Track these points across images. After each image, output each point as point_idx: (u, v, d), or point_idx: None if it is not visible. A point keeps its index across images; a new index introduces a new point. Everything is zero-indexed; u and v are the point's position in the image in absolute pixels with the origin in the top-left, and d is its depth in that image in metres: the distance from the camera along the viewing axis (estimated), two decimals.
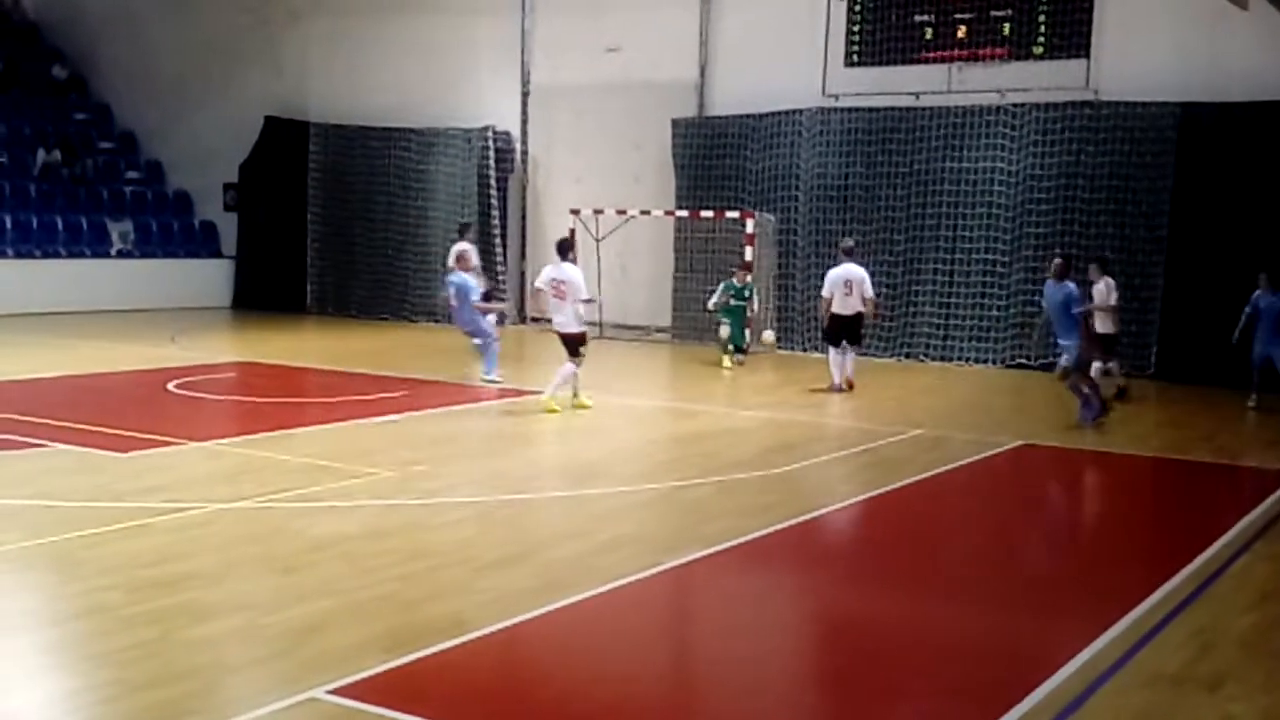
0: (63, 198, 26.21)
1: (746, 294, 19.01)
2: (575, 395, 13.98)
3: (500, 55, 24.22)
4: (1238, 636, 6.16)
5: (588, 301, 13.82)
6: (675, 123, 22.09)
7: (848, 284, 16.07)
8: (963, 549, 9.08)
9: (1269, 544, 6.09)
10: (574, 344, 13.71)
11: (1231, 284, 16.42)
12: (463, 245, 17.64)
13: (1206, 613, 7.31)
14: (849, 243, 17.02)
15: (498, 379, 15.79)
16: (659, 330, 22.18)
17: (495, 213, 23.94)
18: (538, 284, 13.94)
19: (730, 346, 18.70)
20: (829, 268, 20.51)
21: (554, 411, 13.49)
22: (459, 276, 15.93)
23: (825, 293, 16.30)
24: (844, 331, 16.15)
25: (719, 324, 18.99)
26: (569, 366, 13.73)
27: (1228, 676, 6.10)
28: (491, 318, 16.31)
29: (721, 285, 19.14)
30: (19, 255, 24.39)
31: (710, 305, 19.26)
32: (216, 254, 27.53)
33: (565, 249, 14.10)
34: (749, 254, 20.40)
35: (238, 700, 5.65)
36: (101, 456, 10.76)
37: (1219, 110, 17.78)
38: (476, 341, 16.11)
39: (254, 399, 15.35)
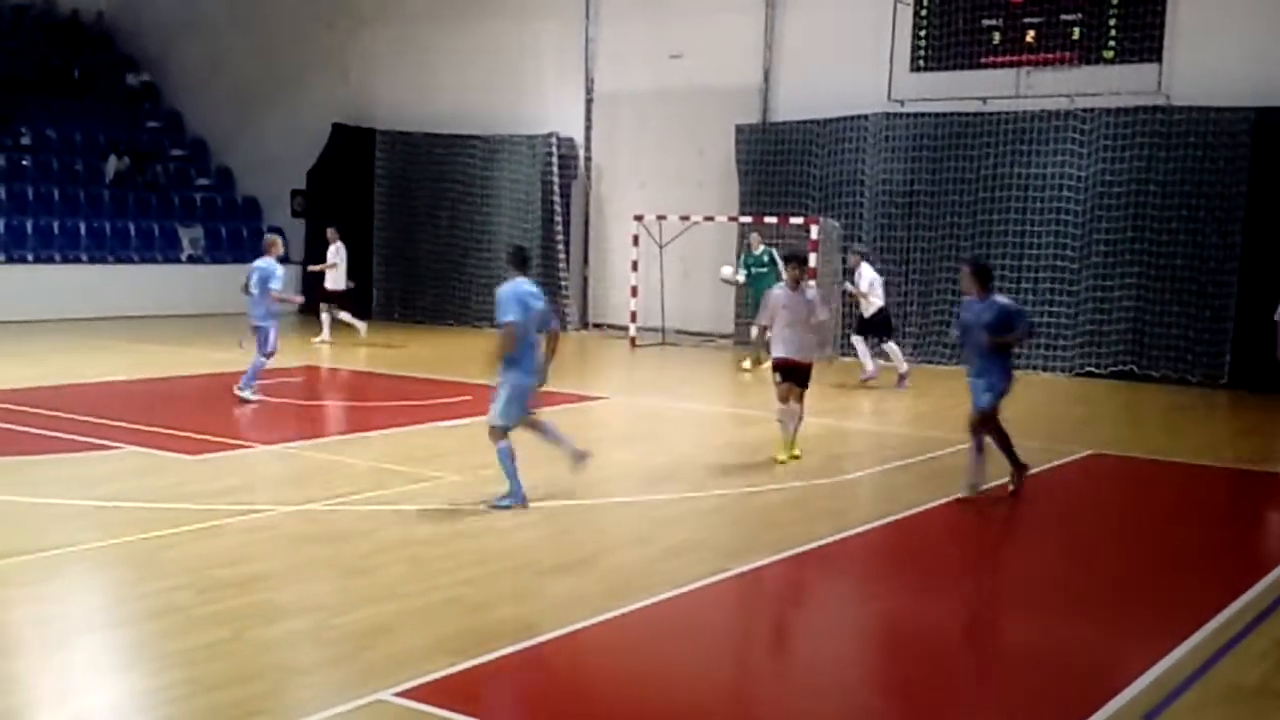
0: (135, 204, 26.70)
1: (766, 259, 18.79)
2: (793, 442, 11.64)
3: (564, 61, 24.33)
4: None
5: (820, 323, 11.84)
6: (739, 128, 22.04)
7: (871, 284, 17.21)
8: (1032, 559, 8.95)
9: None
10: (805, 377, 11.54)
11: None
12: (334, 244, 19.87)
13: None
14: (863, 247, 18.35)
15: (251, 396, 14.04)
16: (722, 336, 22.12)
17: (558, 219, 24.03)
18: (768, 312, 11.43)
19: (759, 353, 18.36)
20: (894, 274, 20.53)
21: (795, 459, 11.50)
22: (265, 261, 14.48)
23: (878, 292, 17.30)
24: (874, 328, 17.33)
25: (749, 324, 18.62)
26: (795, 406, 11.45)
27: None
28: (273, 333, 14.32)
29: (740, 259, 19.02)
30: (92, 260, 24.88)
31: (725, 276, 19.16)
32: (284, 260, 27.69)
33: (802, 263, 11.97)
34: (813, 260, 20.25)
35: (306, 701, 5.70)
36: (173, 459, 10.93)
37: None
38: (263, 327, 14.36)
39: (321, 403, 15.52)
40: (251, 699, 5.61)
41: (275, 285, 14.32)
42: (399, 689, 5.69)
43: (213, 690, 5.69)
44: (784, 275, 18.57)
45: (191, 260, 26.47)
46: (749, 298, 18.67)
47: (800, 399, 11.44)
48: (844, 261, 18.91)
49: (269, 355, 14.36)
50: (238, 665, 6.03)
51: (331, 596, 7.18)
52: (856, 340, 17.52)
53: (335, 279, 21.26)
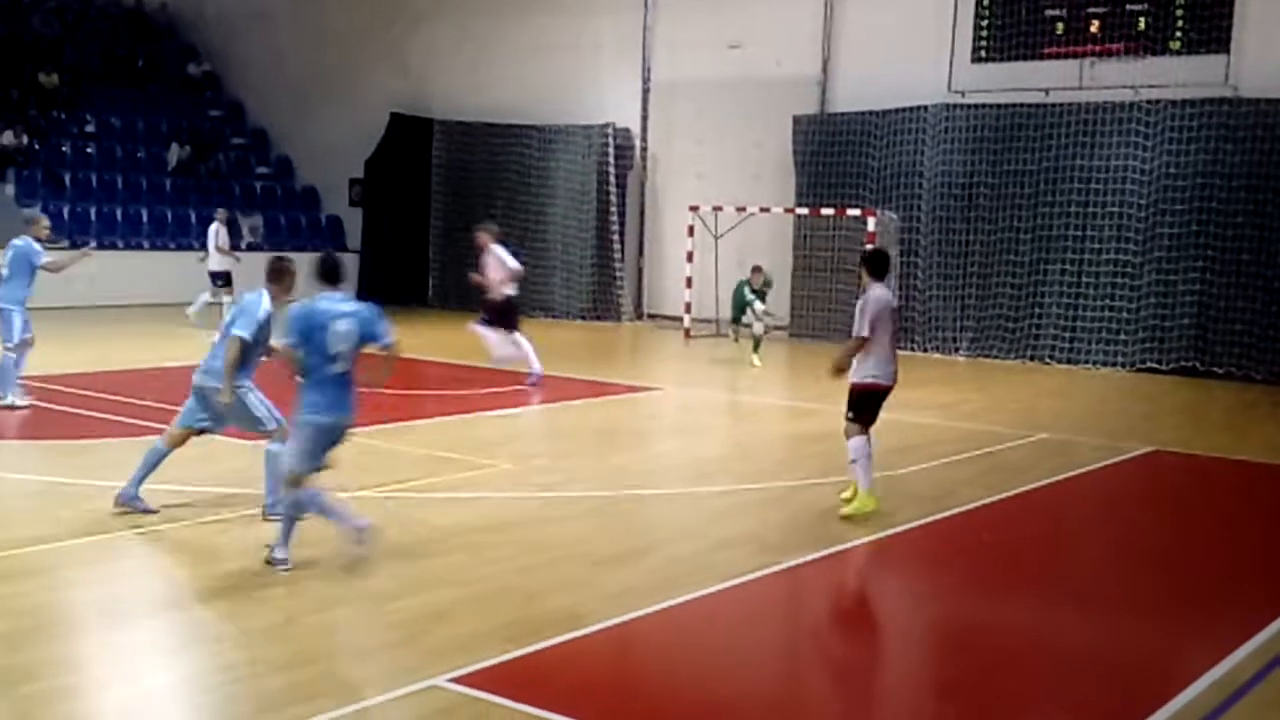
0: (196, 192, 27.04)
1: (762, 294, 18.35)
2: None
3: (621, 52, 24.31)
4: None
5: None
6: (796, 119, 21.91)
7: None
8: (1089, 558, 8.84)
9: None
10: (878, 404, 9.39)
11: None
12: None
13: None
14: (494, 225, 17.40)
15: (14, 399, 12.31)
16: (778, 328, 22.03)
17: (614, 210, 24.05)
18: (868, 320, 9.03)
19: (758, 345, 18.26)
20: (952, 267, 20.32)
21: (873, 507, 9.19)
22: (23, 240, 12.39)
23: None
24: None
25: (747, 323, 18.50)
26: (863, 442, 9.27)
27: None
28: (18, 319, 12.29)
29: (741, 286, 18.59)
30: (154, 248, 25.25)
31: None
32: (342, 248, 28.06)
33: (887, 266, 9.62)
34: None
35: (363, 685, 5.77)
36: (230, 444, 11.03)
37: None
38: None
39: (376, 390, 15.61)
40: (309, 682, 5.67)
41: (38, 262, 12.31)
42: (454, 675, 5.73)
43: (272, 673, 5.76)
44: (759, 306, 18.57)
45: (251, 248, 26.74)
46: (734, 311, 18.52)
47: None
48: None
49: (18, 347, 12.34)
50: (295, 649, 6.10)
51: (387, 583, 7.24)
52: (481, 329, 15.68)
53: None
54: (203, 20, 30.46)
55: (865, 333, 9.04)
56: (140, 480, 8.50)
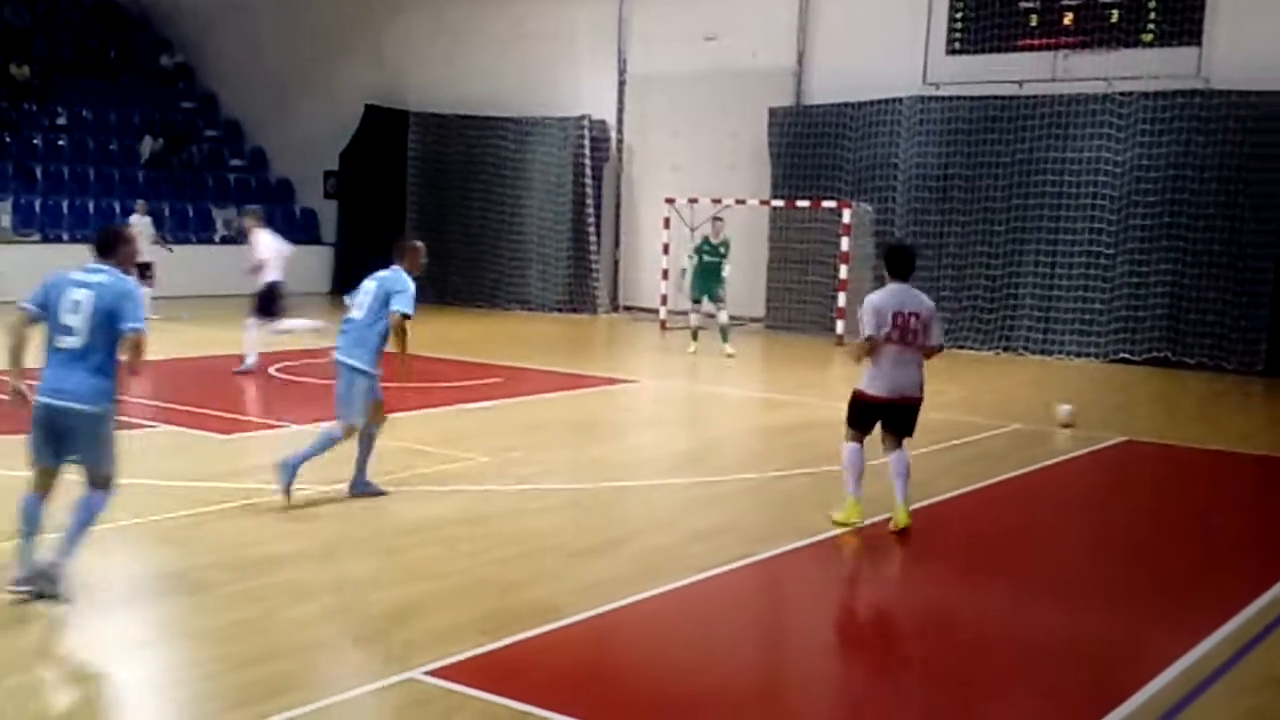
0: (169, 185, 26.86)
1: (722, 250, 18.18)
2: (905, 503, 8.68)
3: (597, 44, 24.27)
4: None
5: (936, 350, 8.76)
6: (772, 111, 21.93)
7: None
8: (1064, 547, 8.89)
9: None
10: (915, 419, 8.72)
11: None
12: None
13: None
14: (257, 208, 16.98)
15: None
16: (753, 320, 22.07)
17: (590, 202, 24.03)
18: (872, 321, 8.41)
19: (696, 334, 18.30)
20: (927, 259, 20.34)
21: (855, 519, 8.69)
22: None
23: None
24: None
25: (693, 300, 18.37)
26: (904, 455, 8.66)
27: None
28: None
29: (697, 244, 18.47)
30: None
31: (684, 265, 18.66)
32: (317, 240, 27.98)
33: (912, 264, 8.81)
34: (845, 244, 20.21)
35: (337, 679, 5.75)
36: (205, 438, 11.01)
37: None
38: None
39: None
40: (282, 676, 5.65)
41: None
42: (430, 668, 5.72)
43: (244, 667, 5.73)
44: (726, 271, 18.52)
45: (225, 241, 26.61)
46: (695, 281, 18.38)
47: (902, 444, 8.69)
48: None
49: None
50: (269, 643, 6.07)
51: (362, 576, 7.22)
52: (252, 324, 15.03)
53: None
54: (176, 11, 30.23)
55: (870, 333, 8.37)
56: (362, 468, 8.94)
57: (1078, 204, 19.15)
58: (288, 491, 8.52)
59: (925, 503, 9.58)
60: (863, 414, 8.68)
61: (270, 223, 27.56)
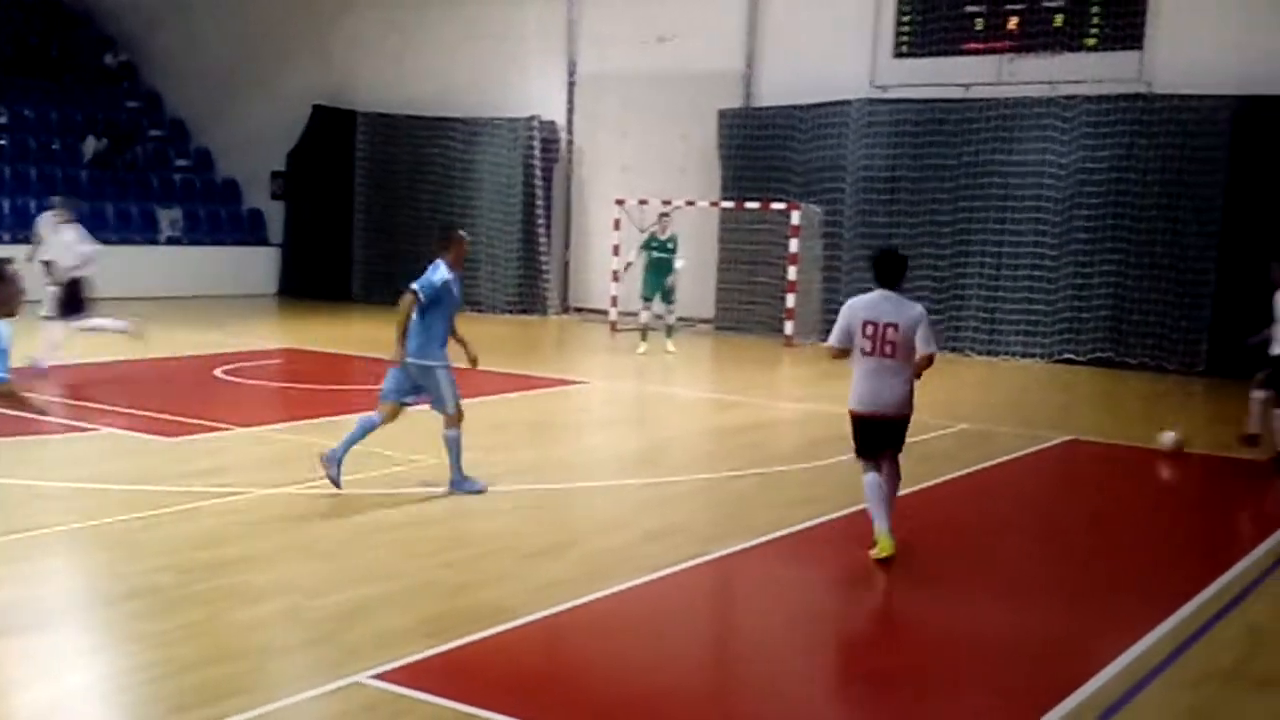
0: (113, 185, 26.51)
1: (670, 247, 18.42)
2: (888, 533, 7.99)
3: (547, 45, 24.24)
4: None
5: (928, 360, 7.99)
6: (721, 113, 22.01)
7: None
8: (1009, 545, 9.00)
9: None
10: (902, 436, 8.15)
11: None
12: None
13: (1258, 610, 7.22)
14: (61, 200, 16.10)
15: None
16: (702, 321, 22.13)
17: (540, 203, 23.99)
18: (839, 327, 8.01)
19: (666, 331, 18.50)
20: (874, 260, 20.45)
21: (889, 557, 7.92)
22: None
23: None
24: None
25: (643, 302, 18.52)
26: (876, 479, 8.02)
27: (1272, 674, 6.01)
28: None
29: (645, 239, 18.66)
30: None
31: (630, 259, 18.77)
32: (264, 241, 27.74)
33: (898, 271, 8.11)
34: (794, 246, 20.32)
35: (283, 683, 5.70)
36: (152, 441, 10.88)
37: (1275, 104, 17.48)
38: None
39: (300, 385, 15.48)
40: (228, 679, 5.60)
41: None
42: (376, 671, 5.69)
43: (189, 670, 5.68)
44: (679, 264, 18.77)
45: (170, 242, 26.32)
46: (646, 279, 18.53)
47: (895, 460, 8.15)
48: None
49: None
50: (215, 646, 6.02)
51: (310, 579, 7.17)
52: (51, 325, 14.52)
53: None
54: (119, 10, 29.84)
55: (831, 341, 8.01)
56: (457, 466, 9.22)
57: (1022, 206, 19.38)
58: (481, 488, 9.18)
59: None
60: (857, 434, 8.03)
61: (216, 223, 27.54)
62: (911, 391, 7.95)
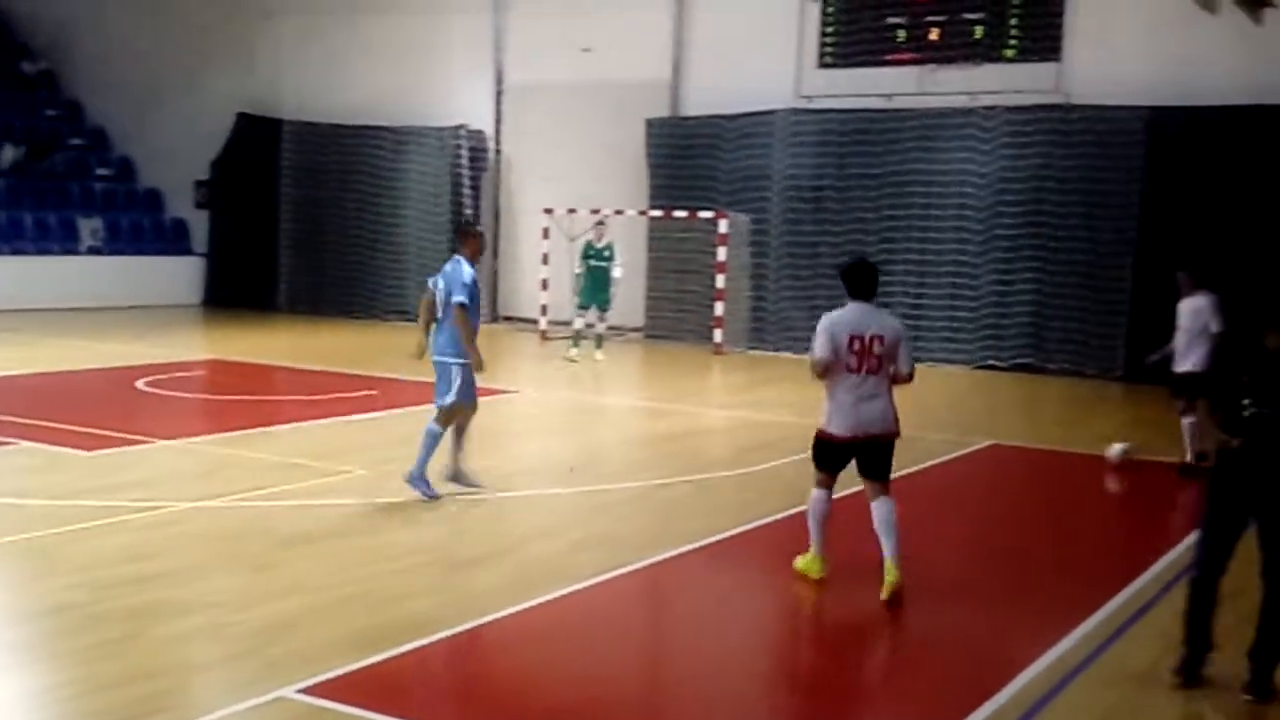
0: (31, 194, 25.97)
1: (607, 254, 18.61)
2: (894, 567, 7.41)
3: (474, 54, 24.17)
4: None
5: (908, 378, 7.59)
6: (649, 123, 22.10)
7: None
8: (935, 547, 9.11)
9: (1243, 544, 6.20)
10: (889, 459, 7.63)
11: (1209, 288, 16.45)
12: None
13: (1172, 611, 7.37)
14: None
15: None
16: (632, 330, 22.18)
17: (469, 212, 23.91)
18: (823, 344, 7.36)
19: (595, 340, 18.63)
20: (803, 268, 20.73)
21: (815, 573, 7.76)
22: None
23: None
24: None
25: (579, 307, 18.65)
26: (886, 505, 7.56)
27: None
28: None
29: (582, 249, 18.86)
30: None
31: (578, 270, 18.94)
32: (187, 251, 27.35)
33: (873, 281, 7.63)
34: (722, 254, 20.44)
35: (206, 699, 5.63)
36: (70, 455, 10.68)
37: (1187, 114, 17.92)
38: None
39: (225, 397, 15.27)
40: (149, 697, 5.52)
41: None
42: (301, 685, 5.63)
43: (108, 689, 5.58)
44: (617, 273, 18.92)
45: (91, 251, 25.84)
46: (585, 287, 18.63)
47: (887, 491, 7.59)
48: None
49: None
50: (135, 663, 5.92)
51: (234, 593, 7.08)
52: None
53: None
54: (37, 16, 29.25)
55: (821, 354, 7.34)
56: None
57: (945, 215, 19.67)
58: (434, 496, 9.28)
59: (802, 508, 9.73)
60: (824, 454, 7.56)
61: (139, 233, 27.08)
62: (895, 408, 7.47)
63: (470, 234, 9.70)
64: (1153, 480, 11.78)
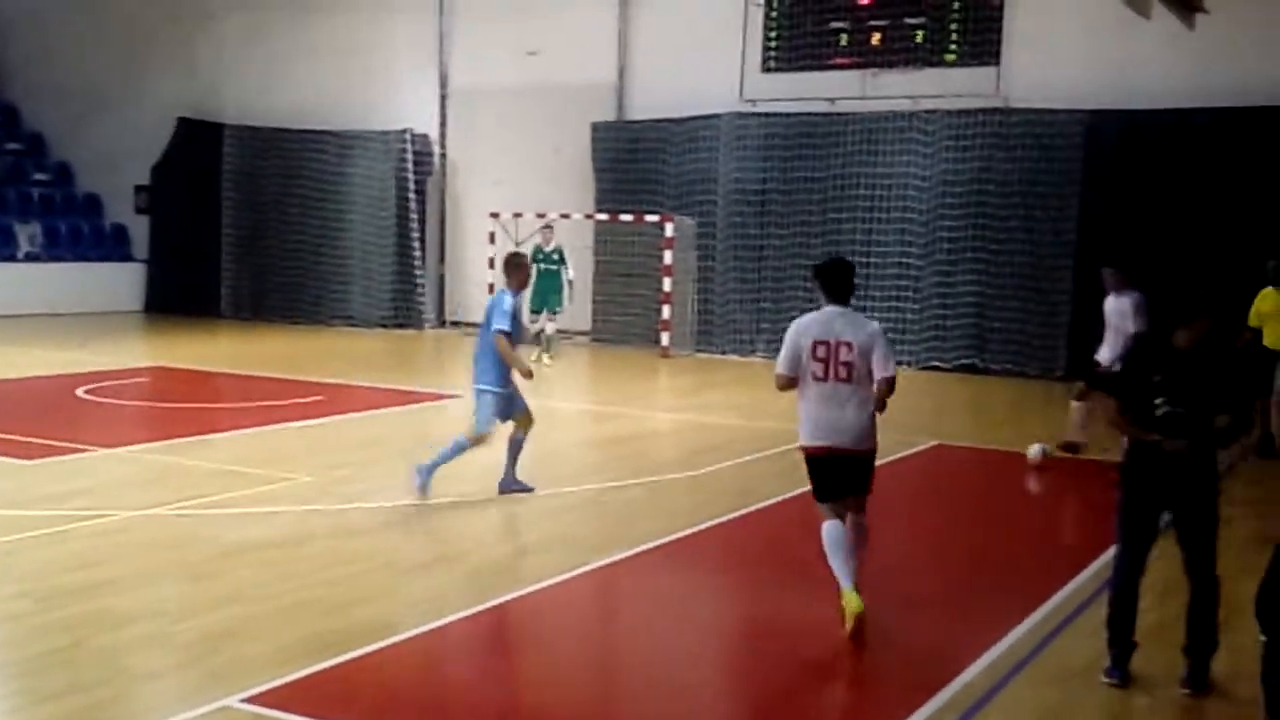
0: None
1: (557, 257, 18.92)
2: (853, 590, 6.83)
3: (418, 57, 24.07)
4: (1143, 630, 6.34)
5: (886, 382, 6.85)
6: (594, 126, 22.12)
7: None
8: (880, 547, 9.17)
9: (1170, 542, 6.31)
10: (866, 477, 7.12)
11: (1141, 289, 16.73)
12: None
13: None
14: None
15: None
16: (579, 334, 22.18)
17: (414, 216, 23.80)
18: (786, 352, 6.91)
19: (544, 343, 18.83)
20: (749, 271, 20.83)
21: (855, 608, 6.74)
22: None
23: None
24: None
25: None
26: (838, 527, 7.02)
27: (1133, 669, 6.26)
28: None
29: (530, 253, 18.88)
30: None
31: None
32: (128, 257, 27.00)
33: (848, 283, 7.16)
34: (668, 257, 20.50)
35: (149, 709, 5.58)
36: (9, 464, 10.52)
37: (1125, 117, 18.21)
38: None
39: (167, 404, 15.10)
40: (92, 708, 5.46)
41: None
42: (246, 694, 5.59)
43: (50, 700, 5.51)
44: (569, 275, 19.16)
45: (29, 258, 25.44)
46: (535, 292, 18.63)
47: (860, 507, 7.15)
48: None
49: None
50: (78, 674, 5.85)
51: (177, 602, 7.02)
52: None
53: None
54: None
55: (780, 369, 6.92)
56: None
57: (888, 217, 19.85)
58: (424, 490, 9.48)
59: (749, 509, 9.83)
60: (812, 474, 7.02)
61: (78, 239, 26.70)
62: (873, 422, 6.89)
63: (513, 265, 10.03)
64: (1094, 478, 11.96)
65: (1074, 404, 12.36)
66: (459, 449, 9.63)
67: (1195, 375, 6.03)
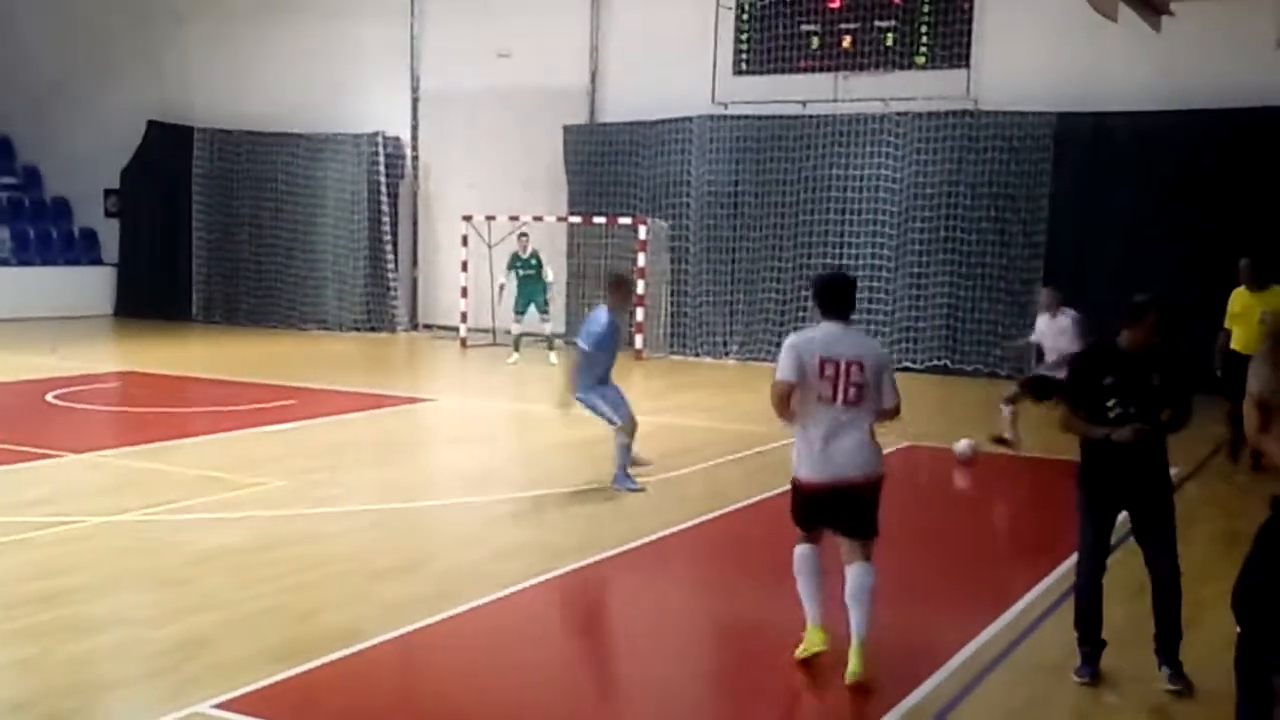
0: None
1: (534, 263, 19.30)
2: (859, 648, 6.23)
3: (390, 60, 24.00)
4: (1113, 629, 6.39)
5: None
6: (567, 129, 22.11)
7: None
8: None
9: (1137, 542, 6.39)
10: (871, 514, 6.43)
11: (1110, 290, 16.86)
12: None
13: None
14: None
15: None
16: (554, 336, 22.11)
17: (386, 219, 23.74)
18: (788, 366, 6.11)
19: (515, 342, 19.34)
20: (722, 274, 20.87)
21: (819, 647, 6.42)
22: None
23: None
24: None
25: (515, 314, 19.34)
26: (863, 571, 6.36)
27: (1104, 666, 6.31)
28: None
29: (508, 261, 19.52)
30: None
31: (502, 281, 19.61)
32: (97, 261, 26.81)
33: (850, 298, 6.40)
34: (641, 260, 20.51)
35: (119, 717, 5.54)
36: None
37: (1092, 119, 18.36)
38: None
39: (138, 409, 14.99)
40: (61, 716, 5.41)
41: None
42: (217, 701, 5.56)
43: (18, 709, 5.46)
44: (549, 277, 19.50)
45: None
46: (518, 302, 19.30)
47: (867, 555, 6.36)
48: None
49: None
50: (46, 682, 5.81)
51: (147, 609, 6.97)
52: None
53: None
54: None
55: (784, 375, 6.10)
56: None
57: (860, 220, 19.92)
58: (633, 481, 10.22)
59: (721, 511, 9.84)
60: (800, 506, 6.40)
61: (47, 243, 26.48)
62: (879, 446, 6.35)
63: (614, 283, 10.59)
64: (1066, 477, 12.03)
65: (1003, 409, 12.57)
66: (624, 449, 10.23)
67: (1145, 376, 6.13)
